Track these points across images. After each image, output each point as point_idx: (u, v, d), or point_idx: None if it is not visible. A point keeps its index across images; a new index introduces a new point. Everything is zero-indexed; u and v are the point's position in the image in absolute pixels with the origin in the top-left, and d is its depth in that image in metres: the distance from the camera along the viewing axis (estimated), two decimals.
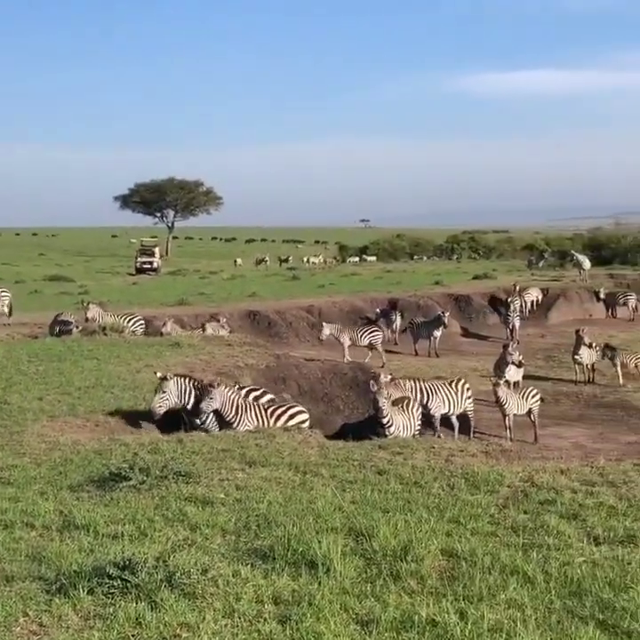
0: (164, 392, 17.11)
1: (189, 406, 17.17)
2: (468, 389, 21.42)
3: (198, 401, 16.93)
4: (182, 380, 17.41)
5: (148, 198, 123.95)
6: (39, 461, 12.93)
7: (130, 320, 30.94)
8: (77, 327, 28.51)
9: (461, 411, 21.07)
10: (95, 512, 10.20)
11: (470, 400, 21.41)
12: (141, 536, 9.42)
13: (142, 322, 31.47)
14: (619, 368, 29.20)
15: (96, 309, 30.80)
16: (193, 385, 17.32)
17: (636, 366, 29.55)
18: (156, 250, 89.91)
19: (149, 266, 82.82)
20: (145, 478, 11.37)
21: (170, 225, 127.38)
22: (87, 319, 29.73)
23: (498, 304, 45.13)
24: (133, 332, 30.11)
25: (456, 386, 21.19)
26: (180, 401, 17.22)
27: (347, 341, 32.38)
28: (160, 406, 17.08)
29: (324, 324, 33.88)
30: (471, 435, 20.60)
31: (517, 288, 45.08)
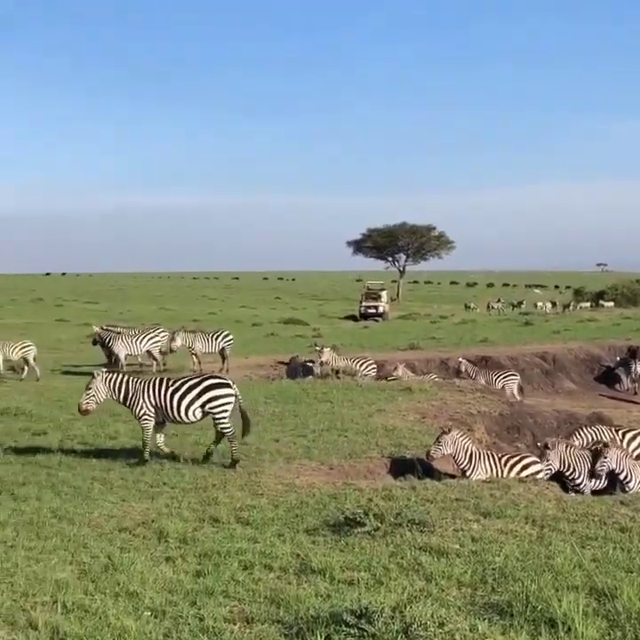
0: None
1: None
2: None
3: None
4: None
5: (381, 243, 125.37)
6: (276, 503, 13.19)
7: (362, 364, 31.28)
8: (318, 370, 29.18)
9: None
10: (331, 557, 10.28)
11: None
12: (377, 584, 9.42)
13: (374, 366, 31.74)
14: None
15: (329, 353, 31.25)
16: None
17: None
18: (383, 294, 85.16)
19: (374, 311, 79.27)
20: (379, 525, 11.37)
21: (401, 269, 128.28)
22: (321, 363, 30.26)
23: None
24: (365, 375, 30.41)
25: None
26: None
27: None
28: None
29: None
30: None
31: None
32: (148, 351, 32.55)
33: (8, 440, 18.49)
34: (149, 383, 16.82)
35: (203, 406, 16.57)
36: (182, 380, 16.99)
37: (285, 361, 33.84)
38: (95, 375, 17.02)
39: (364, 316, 77.44)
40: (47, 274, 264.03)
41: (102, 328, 33.70)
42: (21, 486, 14.38)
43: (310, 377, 29.02)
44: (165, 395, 16.64)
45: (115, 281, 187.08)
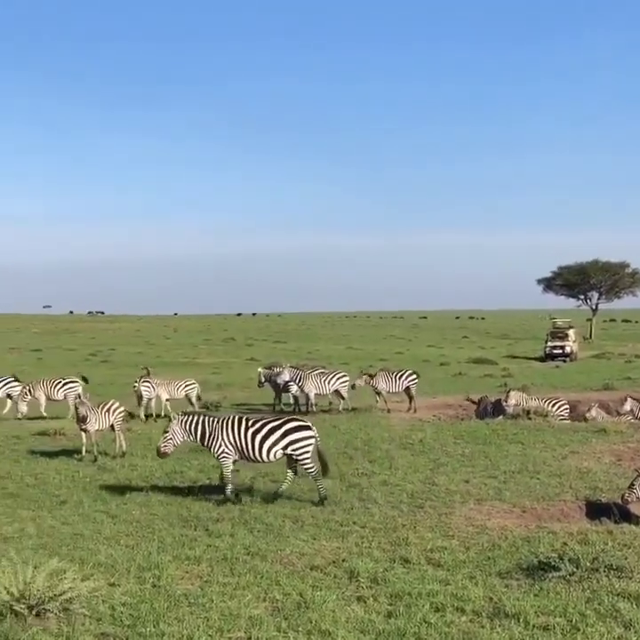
0: None
1: None
2: None
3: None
4: None
5: (572, 281, 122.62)
6: (467, 545, 13.02)
7: (554, 404, 30.58)
8: (510, 410, 28.68)
9: None
10: (525, 601, 10.06)
11: None
12: (573, 630, 9.16)
13: (567, 406, 30.97)
14: None
15: (518, 394, 30.67)
16: None
17: None
18: (571, 332, 77.85)
19: (560, 351, 73.16)
20: (574, 569, 11.06)
21: (594, 307, 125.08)
22: (508, 406, 29.72)
23: None
24: (557, 416, 29.69)
25: None
26: None
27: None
28: None
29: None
30: None
31: None
32: (336, 391, 32.84)
33: (202, 477, 18.98)
34: (227, 422, 17.06)
35: (285, 448, 16.78)
36: (263, 422, 17.22)
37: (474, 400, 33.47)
38: (172, 418, 17.41)
39: (551, 357, 72.70)
40: (238, 314, 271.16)
41: (291, 367, 34.25)
42: (215, 523, 14.73)
43: (500, 417, 28.59)
44: (245, 435, 16.88)
45: (302, 321, 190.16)
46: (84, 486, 18.24)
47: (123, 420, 22.78)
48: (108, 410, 22.15)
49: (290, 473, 17.05)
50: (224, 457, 16.87)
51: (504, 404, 29.43)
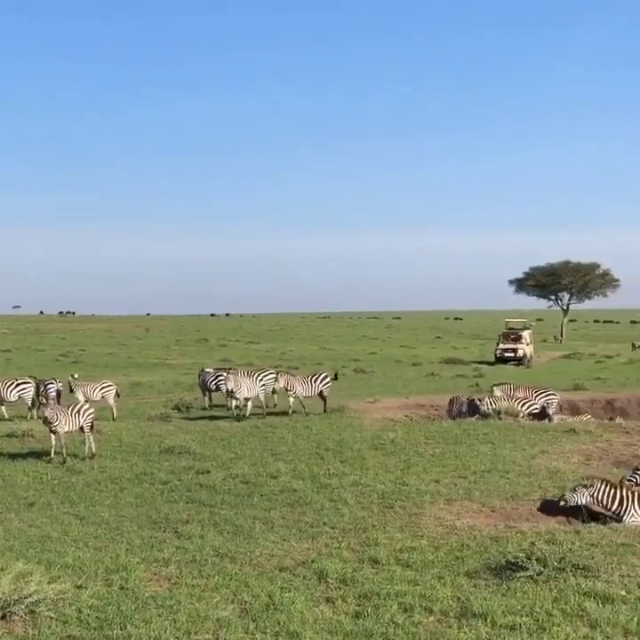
0: None
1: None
2: None
3: None
4: None
5: (543, 281, 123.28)
6: (436, 545, 13.07)
7: (524, 404, 30.73)
8: (489, 409, 28.81)
9: None
10: (492, 601, 10.13)
11: None
12: (539, 630, 9.22)
13: (536, 407, 31.12)
14: None
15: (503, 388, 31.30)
16: None
17: None
18: (526, 334, 70.17)
19: (513, 354, 66.69)
20: (542, 569, 11.13)
21: (565, 308, 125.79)
22: (496, 396, 29.99)
23: None
24: (526, 416, 29.87)
25: None
26: None
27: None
28: None
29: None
30: None
31: None
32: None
33: (173, 478, 18.93)
34: None
35: None
36: None
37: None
38: None
39: (502, 360, 66.71)
40: (212, 315, 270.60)
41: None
42: (185, 524, 14.70)
43: (476, 416, 28.63)
44: None
45: (276, 322, 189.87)
46: (52, 488, 18.12)
47: (92, 421, 22.63)
48: (79, 411, 22.03)
49: None
50: None
51: (479, 403, 29.48)
